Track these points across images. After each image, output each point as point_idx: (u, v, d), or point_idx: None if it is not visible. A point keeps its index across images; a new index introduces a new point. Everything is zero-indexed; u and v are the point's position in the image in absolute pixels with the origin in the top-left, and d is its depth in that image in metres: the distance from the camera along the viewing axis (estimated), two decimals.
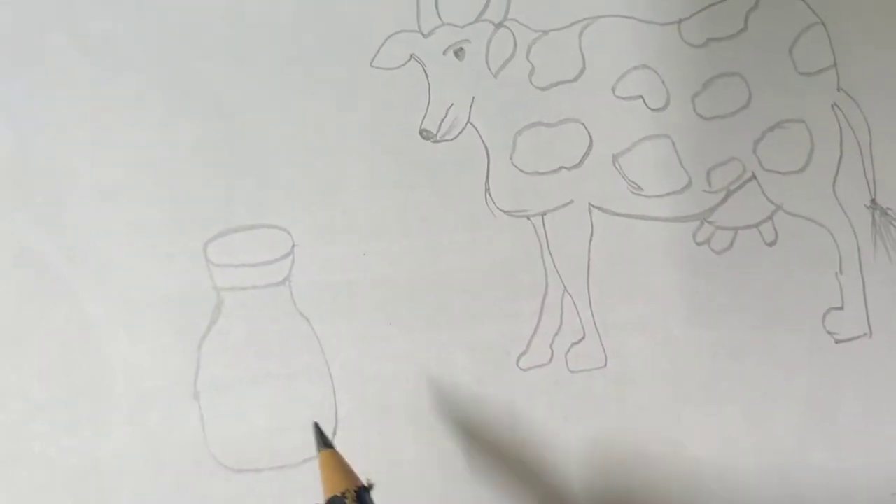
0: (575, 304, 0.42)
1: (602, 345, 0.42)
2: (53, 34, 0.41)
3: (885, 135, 0.42)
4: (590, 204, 0.42)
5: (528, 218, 0.42)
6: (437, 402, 0.41)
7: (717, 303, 0.42)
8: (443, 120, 0.42)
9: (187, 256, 0.41)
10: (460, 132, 0.42)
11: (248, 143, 0.41)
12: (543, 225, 0.42)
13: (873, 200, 0.42)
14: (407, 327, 0.41)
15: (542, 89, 0.42)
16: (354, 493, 0.33)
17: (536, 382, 0.41)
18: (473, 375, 0.41)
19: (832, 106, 0.42)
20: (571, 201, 0.42)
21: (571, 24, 0.42)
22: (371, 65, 0.42)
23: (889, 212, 0.42)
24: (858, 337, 0.42)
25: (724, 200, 0.42)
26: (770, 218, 0.42)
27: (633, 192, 0.42)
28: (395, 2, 0.41)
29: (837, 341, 0.42)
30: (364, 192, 0.41)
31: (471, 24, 0.42)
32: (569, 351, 0.42)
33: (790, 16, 0.42)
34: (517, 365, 0.41)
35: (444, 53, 0.42)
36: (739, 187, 0.42)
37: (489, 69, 0.42)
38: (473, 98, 0.42)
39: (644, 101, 0.42)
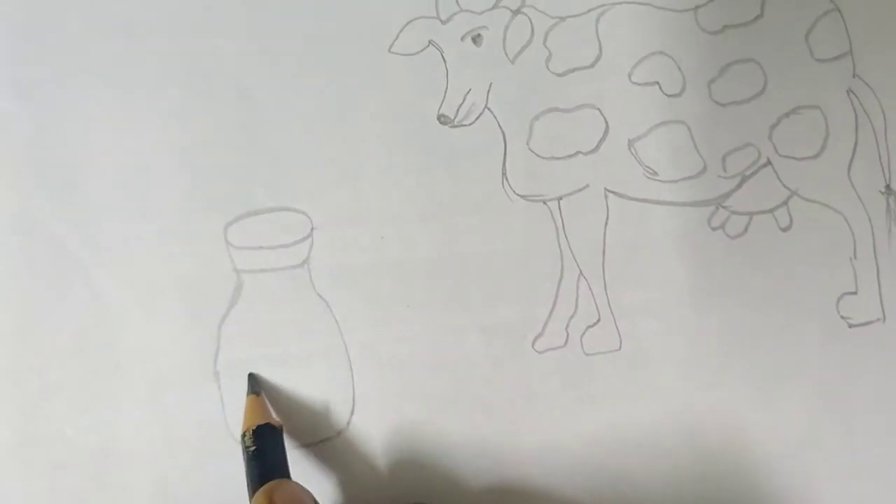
0: (590, 288, 0.42)
1: (617, 328, 0.42)
2: (72, 20, 0.41)
3: None
4: (605, 189, 0.42)
5: (545, 202, 0.42)
6: (453, 383, 0.41)
7: (731, 287, 0.42)
8: (460, 105, 0.42)
9: (207, 239, 0.41)
10: (477, 117, 0.42)
11: (267, 127, 0.42)
12: (559, 209, 0.42)
13: (888, 186, 0.42)
14: (424, 310, 0.41)
15: (559, 75, 0.42)
16: (252, 432, 0.37)
17: (551, 365, 0.42)
18: (489, 357, 0.41)
19: (848, 92, 0.42)
20: (587, 186, 0.42)
21: (588, 11, 0.42)
22: (389, 50, 0.42)
23: None
24: (872, 322, 0.42)
25: (739, 186, 0.42)
26: (785, 203, 0.42)
27: (648, 178, 0.42)
28: None
29: (851, 326, 0.42)
30: (382, 177, 0.42)
31: (488, 10, 0.42)
32: (584, 334, 0.42)
33: (806, 2, 0.42)
34: (533, 347, 0.42)
35: (462, 39, 0.42)
36: (754, 173, 0.42)
37: (506, 55, 0.42)
38: (491, 84, 0.42)
39: (660, 87, 0.42)
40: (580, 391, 0.42)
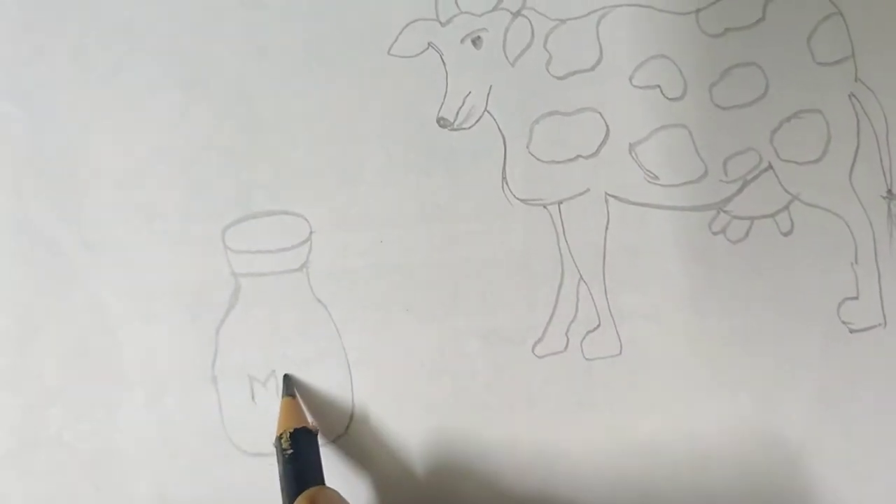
0: (590, 292, 0.42)
1: (617, 333, 0.42)
2: (72, 20, 0.41)
3: None
4: (606, 193, 0.42)
5: (545, 206, 0.42)
6: (453, 388, 0.41)
7: (731, 292, 0.42)
8: (460, 108, 0.42)
9: (205, 242, 0.41)
10: (477, 121, 0.42)
11: (265, 130, 0.42)
12: (560, 213, 0.42)
13: (889, 191, 0.42)
14: (423, 314, 0.41)
15: (560, 78, 0.42)
16: (290, 434, 0.37)
17: (552, 369, 0.41)
18: (489, 362, 0.41)
19: (849, 96, 0.42)
20: (588, 190, 0.42)
21: (589, 14, 0.42)
22: (389, 53, 0.42)
23: None
24: (873, 327, 0.42)
25: (740, 190, 0.42)
26: (786, 208, 0.42)
27: (649, 182, 0.42)
28: None
29: (852, 331, 0.42)
30: (381, 180, 0.42)
31: (488, 12, 0.42)
32: (584, 339, 0.42)
33: (808, 6, 0.42)
34: (533, 352, 0.41)
35: (462, 42, 0.42)
36: (756, 177, 0.42)
37: (506, 58, 0.42)
38: (491, 87, 0.42)
39: (661, 91, 0.42)
40: (580, 396, 0.41)
